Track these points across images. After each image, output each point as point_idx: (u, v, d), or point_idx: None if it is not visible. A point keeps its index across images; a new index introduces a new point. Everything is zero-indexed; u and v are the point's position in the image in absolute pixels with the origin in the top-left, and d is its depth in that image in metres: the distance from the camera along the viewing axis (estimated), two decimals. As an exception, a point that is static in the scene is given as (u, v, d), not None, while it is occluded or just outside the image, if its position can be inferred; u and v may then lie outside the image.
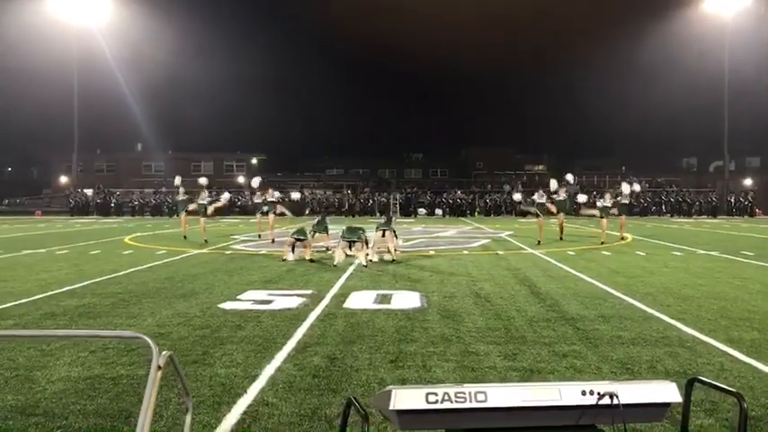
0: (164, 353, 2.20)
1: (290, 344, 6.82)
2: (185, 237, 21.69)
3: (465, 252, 17.38)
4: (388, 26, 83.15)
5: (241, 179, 58.75)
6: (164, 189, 51.29)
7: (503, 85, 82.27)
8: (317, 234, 16.19)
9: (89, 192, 51.56)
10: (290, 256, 15.01)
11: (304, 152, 76.78)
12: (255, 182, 23.57)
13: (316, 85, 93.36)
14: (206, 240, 20.41)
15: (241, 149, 66.50)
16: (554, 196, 20.96)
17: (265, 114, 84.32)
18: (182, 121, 66.78)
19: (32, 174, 69.95)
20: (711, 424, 4.49)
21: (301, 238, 15.03)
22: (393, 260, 14.83)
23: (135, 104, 57.19)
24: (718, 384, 2.18)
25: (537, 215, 20.96)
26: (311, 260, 14.60)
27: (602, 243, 19.56)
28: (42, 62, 53.86)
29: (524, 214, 36.41)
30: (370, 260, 14.24)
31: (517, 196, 25.20)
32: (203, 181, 22.33)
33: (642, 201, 48.81)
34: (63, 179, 59.91)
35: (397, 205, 47.49)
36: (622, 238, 21.21)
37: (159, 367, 2.13)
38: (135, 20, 52.54)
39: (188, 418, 2.56)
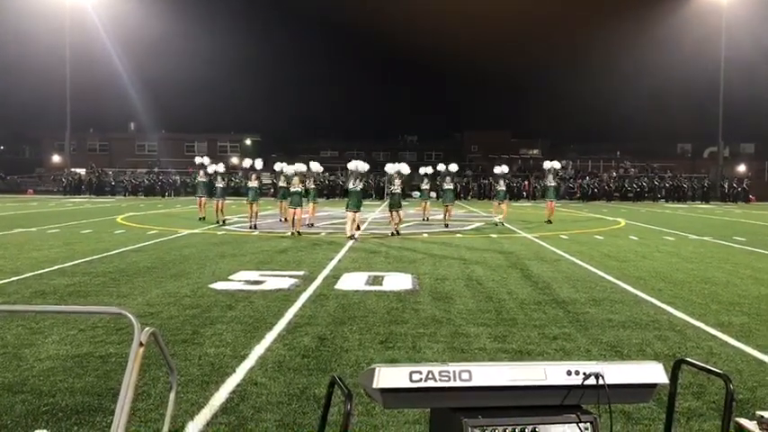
0: (146, 329, 2.16)
1: (281, 324, 6.81)
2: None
3: (458, 235, 17.39)
4: (384, 8, 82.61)
5: (234, 160, 58.43)
6: (156, 169, 50.98)
7: (499, 68, 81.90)
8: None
9: (82, 171, 51.22)
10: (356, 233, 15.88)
11: (298, 134, 76.30)
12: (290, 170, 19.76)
13: (311, 67, 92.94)
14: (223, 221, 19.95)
15: (235, 130, 66.01)
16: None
17: (260, 95, 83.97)
18: (175, 101, 66.11)
19: (25, 153, 69.41)
20: (699, 406, 4.51)
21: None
22: (397, 233, 16.90)
23: (128, 84, 56.47)
24: (705, 366, 2.16)
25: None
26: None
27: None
28: (34, 40, 53.27)
29: (518, 197, 37.63)
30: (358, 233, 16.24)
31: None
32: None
33: (636, 185, 48.84)
34: (56, 158, 59.47)
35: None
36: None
37: (141, 344, 2.09)
38: (128, -2, 51.90)
39: (172, 396, 2.53)
